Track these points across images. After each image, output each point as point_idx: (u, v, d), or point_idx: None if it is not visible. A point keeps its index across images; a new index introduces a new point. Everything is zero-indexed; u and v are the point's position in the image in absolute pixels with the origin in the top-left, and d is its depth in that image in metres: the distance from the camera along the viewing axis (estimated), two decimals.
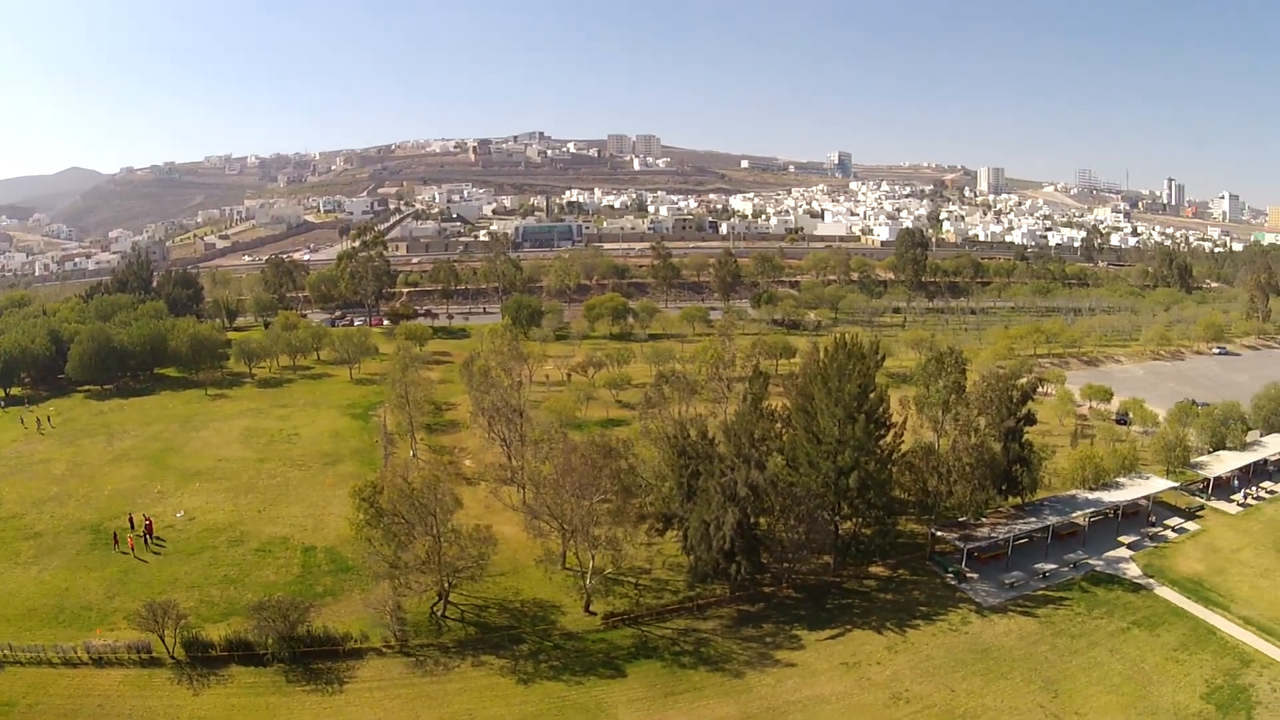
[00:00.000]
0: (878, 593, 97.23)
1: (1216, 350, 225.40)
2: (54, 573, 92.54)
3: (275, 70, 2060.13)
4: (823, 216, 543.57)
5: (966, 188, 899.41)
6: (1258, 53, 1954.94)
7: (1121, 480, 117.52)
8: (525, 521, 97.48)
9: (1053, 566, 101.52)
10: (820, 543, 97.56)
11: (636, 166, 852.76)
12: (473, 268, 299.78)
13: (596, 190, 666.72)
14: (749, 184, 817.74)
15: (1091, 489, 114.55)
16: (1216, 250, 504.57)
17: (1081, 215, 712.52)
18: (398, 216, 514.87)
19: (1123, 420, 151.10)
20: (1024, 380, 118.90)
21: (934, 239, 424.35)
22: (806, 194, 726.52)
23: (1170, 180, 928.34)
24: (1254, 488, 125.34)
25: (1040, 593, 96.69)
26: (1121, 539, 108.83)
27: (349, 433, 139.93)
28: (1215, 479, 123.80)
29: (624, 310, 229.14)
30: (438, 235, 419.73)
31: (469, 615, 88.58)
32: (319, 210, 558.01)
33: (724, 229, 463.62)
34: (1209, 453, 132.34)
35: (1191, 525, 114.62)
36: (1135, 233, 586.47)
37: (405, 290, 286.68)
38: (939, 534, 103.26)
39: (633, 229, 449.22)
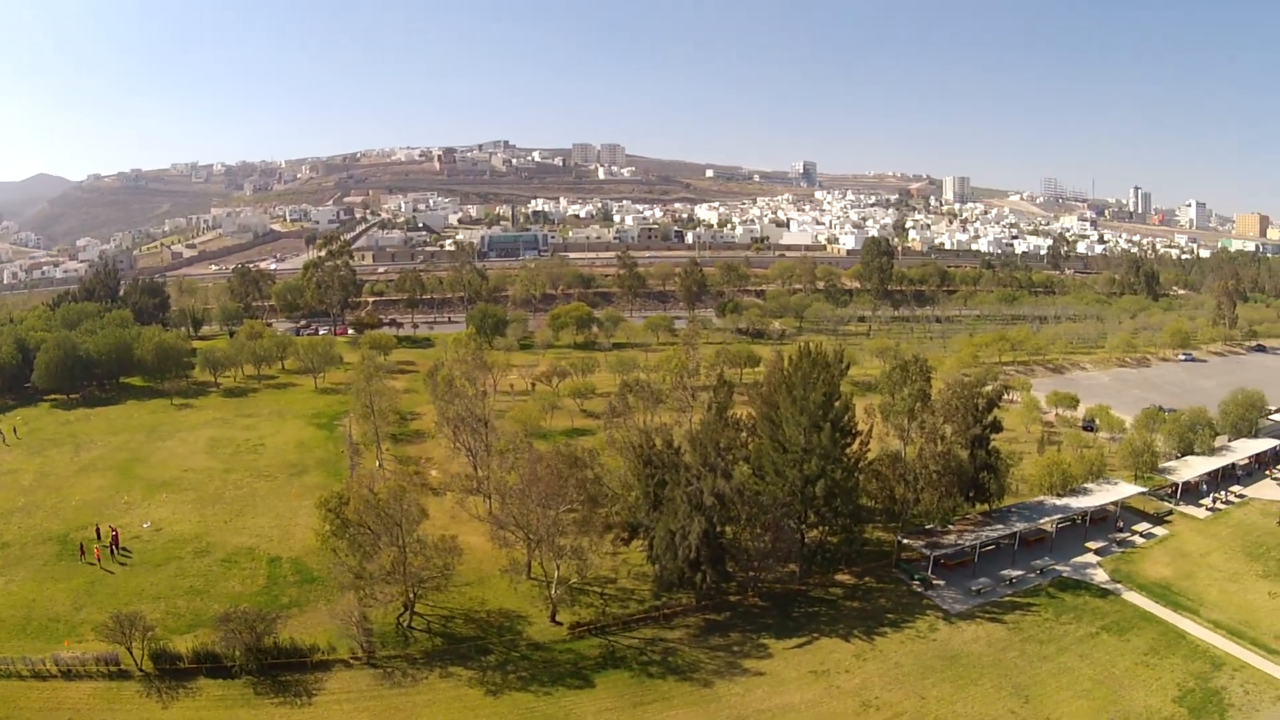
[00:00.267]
0: (845, 601, 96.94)
1: (1183, 356, 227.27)
2: (21, 584, 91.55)
3: (241, 76, 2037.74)
4: (788, 226, 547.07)
5: (932, 197, 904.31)
6: (1224, 60, 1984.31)
7: (1089, 486, 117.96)
8: (491, 531, 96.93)
9: (1020, 573, 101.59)
10: (786, 551, 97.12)
11: (601, 175, 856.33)
12: (438, 277, 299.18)
13: (562, 199, 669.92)
14: (714, 193, 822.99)
15: (1059, 495, 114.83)
16: (1183, 257, 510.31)
17: (1048, 223, 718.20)
18: (363, 226, 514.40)
19: (1089, 427, 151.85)
20: (989, 388, 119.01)
21: (900, 248, 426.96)
22: (772, 203, 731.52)
23: (1137, 188, 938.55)
24: (1223, 492, 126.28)
25: (1008, 599, 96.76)
26: (1089, 545, 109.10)
27: (314, 443, 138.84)
28: (1184, 484, 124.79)
29: (589, 319, 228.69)
30: (403, 244, 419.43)
31: (435, 626, 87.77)
32: (285, 219, 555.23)
33: (689, 238, 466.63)
34: (1177, 458, 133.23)
35: (1160, 530, 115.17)
36: (1102, 240, 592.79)
37: (371, 299, 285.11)
38: (905, 541, 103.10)
39: (598, 238, 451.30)
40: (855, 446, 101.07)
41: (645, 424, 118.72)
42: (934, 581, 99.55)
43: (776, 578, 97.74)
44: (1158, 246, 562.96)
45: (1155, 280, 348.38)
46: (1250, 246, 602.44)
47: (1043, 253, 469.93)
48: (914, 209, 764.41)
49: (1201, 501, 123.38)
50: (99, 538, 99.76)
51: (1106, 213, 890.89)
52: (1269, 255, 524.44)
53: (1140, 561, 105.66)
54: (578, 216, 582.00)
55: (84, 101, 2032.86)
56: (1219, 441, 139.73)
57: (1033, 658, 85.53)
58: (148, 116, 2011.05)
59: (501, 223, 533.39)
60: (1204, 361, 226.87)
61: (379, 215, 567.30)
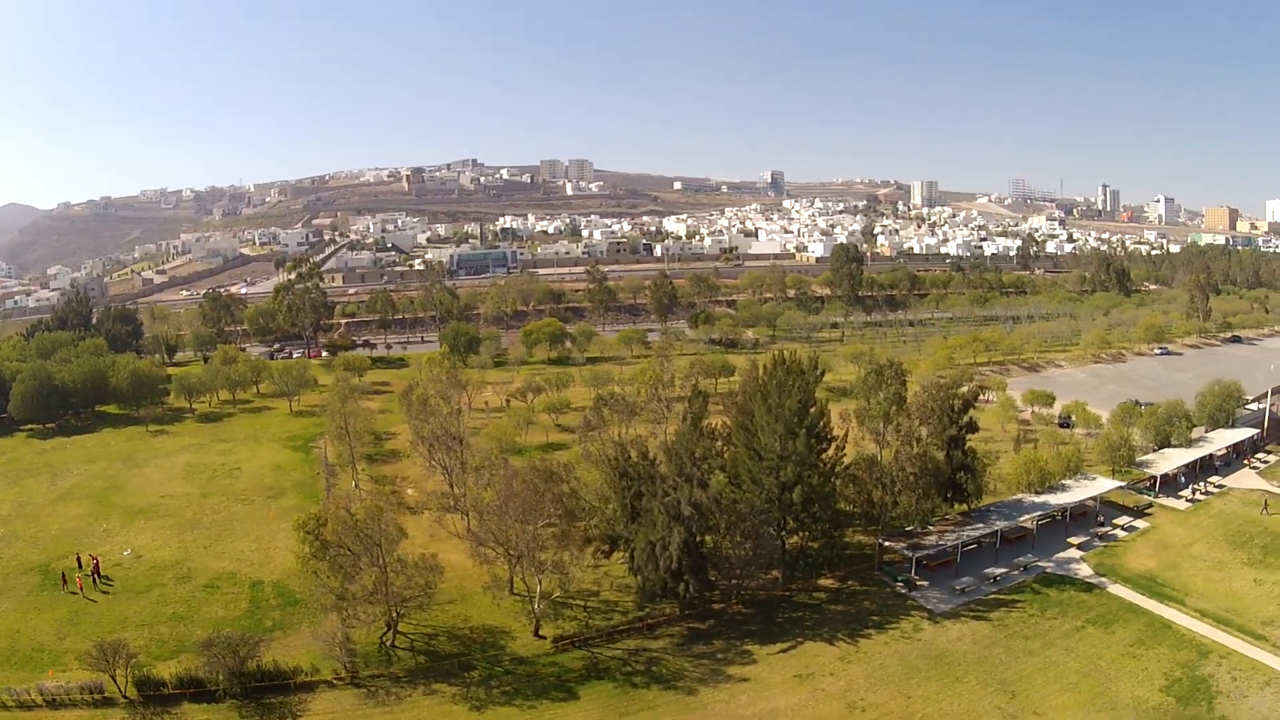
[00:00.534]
0: (828, 604, 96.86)
1: (1158, 351, 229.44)
2: (4, 615, 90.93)
3: (207, 101, 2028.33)
4: (757, 235, 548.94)
5: (900, 202, 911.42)
6: (1186, 58, 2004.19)
7: (1068, 482, 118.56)
8: (471, 549, 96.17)
9: (1003, 570, 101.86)
10: (768, 558, 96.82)
11: (569, 191, 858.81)
12: (409, 297, 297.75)
13: (530, 216, 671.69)
14: (682, 205, 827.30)
15: (1038, 492, 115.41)
16: (1154, 253, 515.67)
17: (1017, 224, 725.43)
18: (333, 247, 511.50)
19: (1065, 424, 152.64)
20: (965, 389, 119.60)
21: (869, 254, 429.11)
22: (740, 213, 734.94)
23: (1105, 186, 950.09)
24: (1202, 483, 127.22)
25: (992, 597, 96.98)
26: (1071, 540, 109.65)
27: (290, 465, 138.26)
28: (1162, 476, 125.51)
29: (561, 335, 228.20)
30: (373, 265, 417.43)
31: (419, 644, 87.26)
32: (255, 243, 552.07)
33: (658, 251, 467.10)
34: (1154, 451, 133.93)
35: (1141, 523, 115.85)
36: (1071, 239, 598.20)
37: (343, 321, 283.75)
38: (887, 544, 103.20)
39: (567, 254, 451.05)
40: (831, 452, 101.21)
41: (620, 436, 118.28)
42: (917, 582, 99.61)
43: (759, 585, 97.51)
44: (1128, 243, 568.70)
45: (1126, 276, 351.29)
46: (1220, 240, 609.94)
47: (1012, 254, 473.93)
48: (882, 214, 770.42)
49: (1181, 493, 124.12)
50: (80, 567, 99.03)
51: (1075, 211, 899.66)
52: (1239, 248, 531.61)
53: (1123, 555, 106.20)
54: (546, 233, 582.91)
55: (52, 129, 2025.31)
56: (1196, 433, 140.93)
57: (1019, 653, 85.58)
58: (116, 143, 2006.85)
59: (470, 241, 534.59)
60: (1179, 355, 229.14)
61: (348, 237, 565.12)
